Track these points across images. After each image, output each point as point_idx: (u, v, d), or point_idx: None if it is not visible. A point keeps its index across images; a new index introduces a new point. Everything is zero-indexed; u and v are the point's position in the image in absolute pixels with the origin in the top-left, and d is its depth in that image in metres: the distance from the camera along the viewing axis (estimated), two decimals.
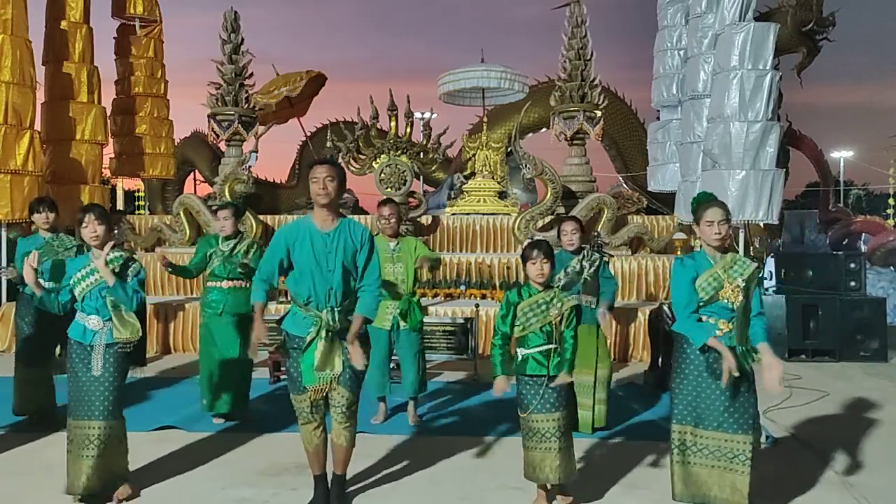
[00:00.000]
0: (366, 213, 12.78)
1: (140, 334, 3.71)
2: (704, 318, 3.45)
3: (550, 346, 3.54)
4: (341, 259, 3.48)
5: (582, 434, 4.63)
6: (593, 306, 4.91)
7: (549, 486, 3.62)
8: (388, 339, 5.19)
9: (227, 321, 5.23)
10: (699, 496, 3.41)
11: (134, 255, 3.92)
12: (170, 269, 5.34)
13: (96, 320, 3.67)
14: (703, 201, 3.52)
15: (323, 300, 3.49)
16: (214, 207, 5.40)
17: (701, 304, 3.43)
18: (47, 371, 5.23)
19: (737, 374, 3.30)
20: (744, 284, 3.39)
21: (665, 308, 6.68)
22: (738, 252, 3.55)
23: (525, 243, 3.71)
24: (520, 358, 3.60)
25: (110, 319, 3.68)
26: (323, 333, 3.44)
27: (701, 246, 3.56)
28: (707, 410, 3.40)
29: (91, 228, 3.67)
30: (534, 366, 3.55)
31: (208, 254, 5.32)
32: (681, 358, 3.51)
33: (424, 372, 5.34)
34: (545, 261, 3.55)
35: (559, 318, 3.56)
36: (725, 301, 3.40)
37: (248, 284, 5.28)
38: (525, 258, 3.60)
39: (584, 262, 4.93)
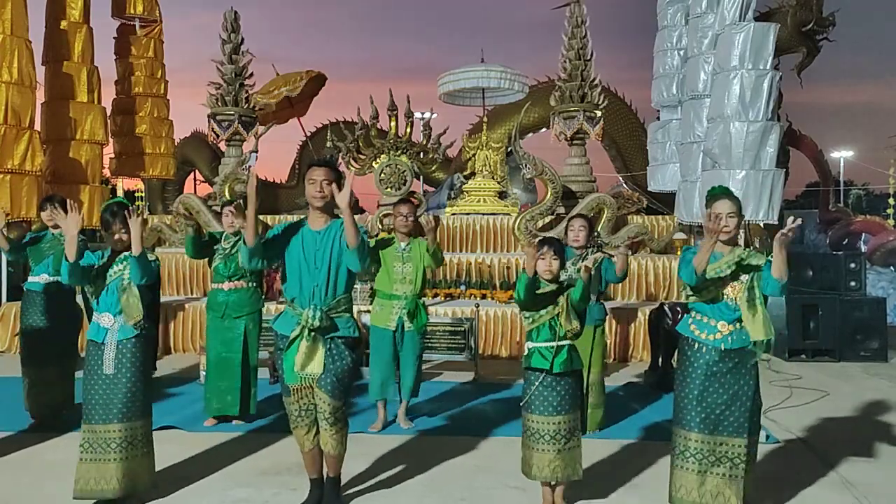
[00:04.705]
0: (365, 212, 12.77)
1: (141, 315, 3.66)
2: (705, 318, 3.43)
3: (556, 342, 3.51)
4: (328, 257, 3.46)
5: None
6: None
7: (551, 483, 3.59)
8: (393, 341, 5.09)
9: (231, 324, 5.23)
10: (696, 501, 3.37)
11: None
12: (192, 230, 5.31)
13: (108, 318, 3.69)
14: (714, 194, 3.50)
15: (307, 298, 3.47)
16: (217, 207, 5.39)
17: (706, 289, 3.40)
18: (56, 370, 5.21)
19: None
20: (747, 279, 3.35)
21: (666, 308, 6.69)
22: (746, 247, 3.51)
23: (536, 240, 3.69)
24: (526, 351, 3.59)
25: (121, 313, 3.68)
26: (305, 332, 3.42)
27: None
28: (708, 414, 3.36)
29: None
30: (538, 359, 3.52)
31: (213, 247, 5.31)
32: (684, 362, 3.48)
33: (420, 375, 5.30)
34: (554, 257, 3.53)
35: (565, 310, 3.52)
36: (729, 300, 3.38)
37: (249, 284, 5.30)
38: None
39: (584, 260, 4.90)
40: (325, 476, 3.69)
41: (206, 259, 5.44)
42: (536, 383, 3.51)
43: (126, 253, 3.71)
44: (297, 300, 3.50)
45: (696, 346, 3.42)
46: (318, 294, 3.47)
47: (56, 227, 5.23)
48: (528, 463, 3.55)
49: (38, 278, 5.21)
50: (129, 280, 3.66)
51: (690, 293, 3.48)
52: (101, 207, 3.79)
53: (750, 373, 3.39)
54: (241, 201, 5.62)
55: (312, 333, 3.42)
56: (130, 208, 3.70)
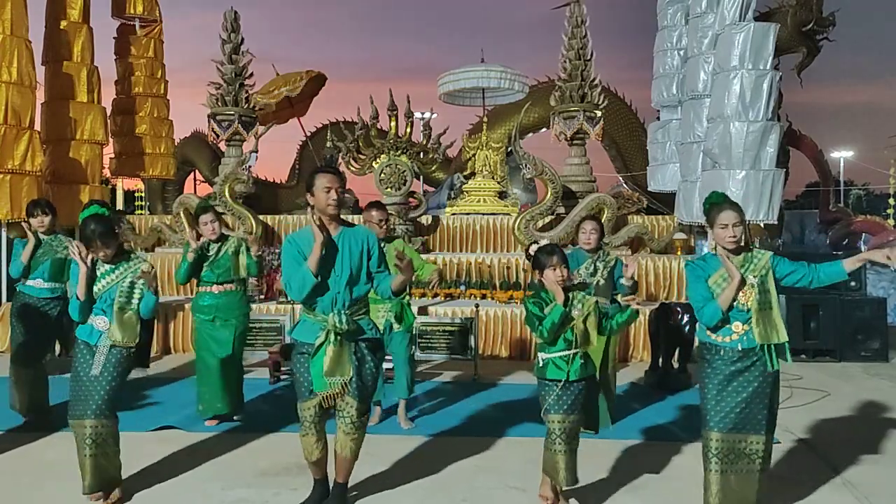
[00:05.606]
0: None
1: (136, 340, 3.71)
2: (720, 322, 3.39)
3: (571, 351, 3.51)
4: (348, 262, 3.47)
5: (585, 434, 4.63)
6: (605, 308, 4.88)
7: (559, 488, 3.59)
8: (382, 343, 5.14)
9: (223, 326, 5.20)
10: (722, 502, 3.37)
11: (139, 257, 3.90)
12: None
13: (103, 321, 3.69)
14: (716, 203, 3.45)
15: (329, 304, 3.45)
16: (218, 207, 5.36)
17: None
18: (40, 371, 5.22)
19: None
20: (757, 281, 3.33)
21: (666, 308, 6.68)
22: (750, 250, 3.49)
23: (534, 249, 3.65)
24: (541, 363, 3.56)
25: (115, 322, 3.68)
26: (332, 337, 3.39)
27: (716, 249, 3.46)
28: (727, 413, 3.36)
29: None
30: (553, 370, 3.51)
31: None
32: (703, 365, 3.47)
33: (413, 372, 5.32)
34: (564, 266, 3.51)
35: (583, 319, 3.51)
36: (741, 305, 3.35)
37: (238, 287, 5.28)
38: (542, 265, 3.53)
39: (598, 263, 4.89)
40: (328, 479, 3.68)
41: None
42: (555, 391, 3.49)
43: (110, 266, 3.71)
44: (319, 307, 3.47)
45: (714, 349, 3.43)
46: (340, 300, 3.46)
47: (48, 232, 5.23)
48: (556, 468, 3.49)
49: (33, 283, 5.22)
50: (127, 305, 3.69)
51: (709, 330, 3.45)
52: (80, 220, 3.70)
53: (767, 369, 3.38)
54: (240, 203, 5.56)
55: (339, 338, 3.40)
56: (113, 222, 3.71)
